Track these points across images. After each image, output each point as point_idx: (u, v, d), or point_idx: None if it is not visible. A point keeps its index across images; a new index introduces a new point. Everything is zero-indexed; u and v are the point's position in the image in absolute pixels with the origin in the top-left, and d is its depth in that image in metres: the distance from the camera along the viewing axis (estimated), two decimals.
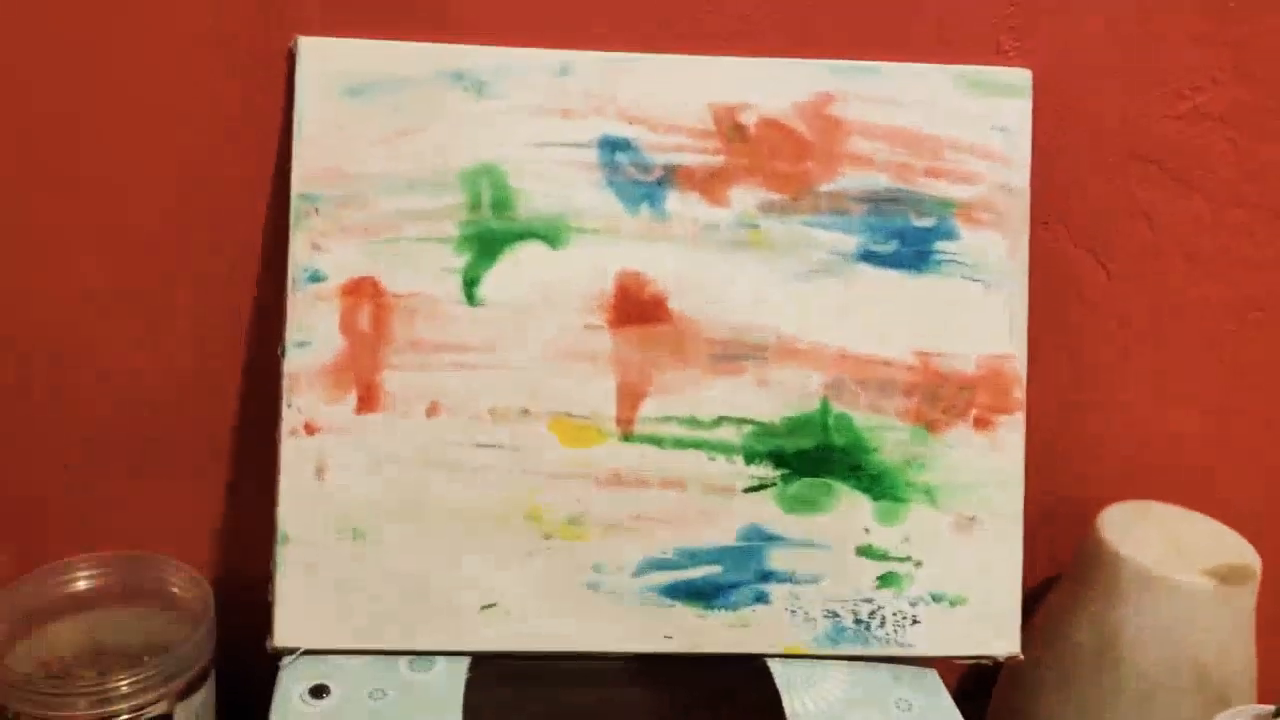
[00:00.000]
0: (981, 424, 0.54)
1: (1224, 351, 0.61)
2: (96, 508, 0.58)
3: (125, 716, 0.52)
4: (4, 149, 0.53)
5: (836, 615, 0.54)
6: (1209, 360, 0.61)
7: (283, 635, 0.51)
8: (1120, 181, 0.58)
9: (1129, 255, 0.59)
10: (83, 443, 0.57)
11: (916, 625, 0.54)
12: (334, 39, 0.52)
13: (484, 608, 0.52)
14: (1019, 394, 0.54)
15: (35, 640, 0.55)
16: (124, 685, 0.53)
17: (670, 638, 0.53)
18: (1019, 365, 0.55)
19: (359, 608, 0.52)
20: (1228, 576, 0.55)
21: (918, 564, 0.54)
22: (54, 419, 0.57)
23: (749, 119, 0.54)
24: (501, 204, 0.53)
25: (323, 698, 0.49)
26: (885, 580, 0.54)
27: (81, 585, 0.59)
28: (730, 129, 0.54)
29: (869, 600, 0.54)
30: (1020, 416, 0.54)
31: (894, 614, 0.54)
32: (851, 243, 0.54)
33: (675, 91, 0.54)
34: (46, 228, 0.54)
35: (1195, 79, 0.57)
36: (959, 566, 0.54)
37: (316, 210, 0.52)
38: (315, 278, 0.52)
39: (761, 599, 0.53)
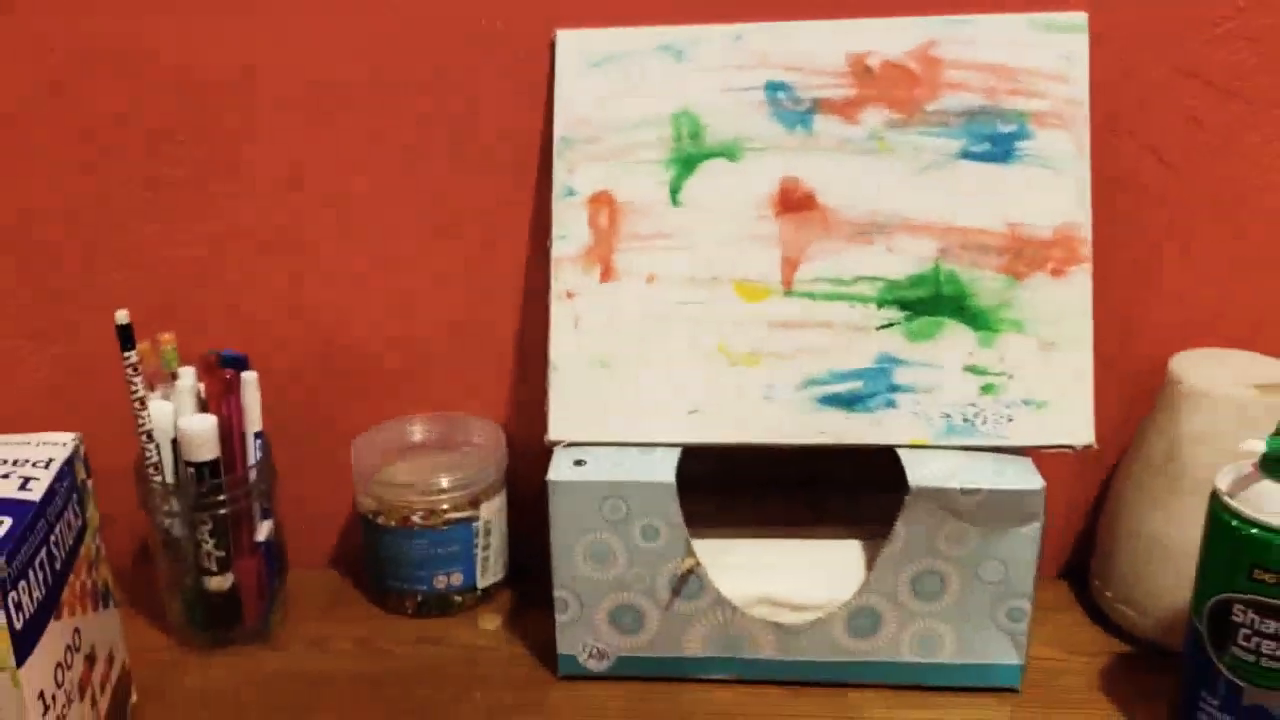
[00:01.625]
0: (1056, 273, 0.73)
1: (1267, 219, 0.77)
2: (421, 379, 0.84)
3: (446, 510, 0.78)
4: (343, 129, 0.80)
5: (949, 416, 0.73)
6: (1257, 227, 0.77)
7: (555, 431, 0.75)
8: (1171, 94, 0.75)
9: (1182, 150, 0.76)
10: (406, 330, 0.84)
11: (1011, 423, 0.72)
12: (581, 30, 0.77)
13: (690, 413, 0.74)
14: (1085, 251, 0.72)
15: (384, 473, 0.82)
16: (444, 480, 0.78)
17: (824, 433, 0.73)
18: (1084, 229, 0.73)
19: (603, 414, 0.75)
20: (1269, 389, 0.71)
21: (1010, 377, 0.72)
22: (395, 323, 0.83)
23: (874, 62, 0.75)
24: (695, 134, 0.75)
25: (582, 465, 0.72)
26: (986, 389, 0.72)
27: (416, 438, 0.85)
28: (860, 70, 0.75)
29: (973, 405, 0.73)
30: (1087, 266, 0.72)
31: (993, 414, 0.72)
32: (953, 145, 0.74)
33: (820, 46, 0.75)
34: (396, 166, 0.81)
35: (1224, 9, 0.74)
36: (1042, 379, 0.72)
37: (570, 148, 0.76)
38: (570, 193, 0.76)
39: (891, 405, 0.73)
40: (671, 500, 0.70)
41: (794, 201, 0.74)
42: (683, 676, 0.75)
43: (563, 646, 0.75)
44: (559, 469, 0.72)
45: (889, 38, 0.74)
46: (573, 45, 0.77)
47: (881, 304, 0.73)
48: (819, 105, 0.74)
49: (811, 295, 0.74)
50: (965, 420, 0.72)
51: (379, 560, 0.82)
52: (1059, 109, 0.73)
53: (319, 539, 0.89)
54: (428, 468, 0.81)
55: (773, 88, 0.75)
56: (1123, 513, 0.76)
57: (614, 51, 0.76)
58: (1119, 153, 0.76)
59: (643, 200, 0.75)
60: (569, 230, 0.76)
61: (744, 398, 0.73)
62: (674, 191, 0.75)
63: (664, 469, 0.71)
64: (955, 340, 0.73)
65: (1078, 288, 0.72)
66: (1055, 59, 0.73)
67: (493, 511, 0.82)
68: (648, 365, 0.74)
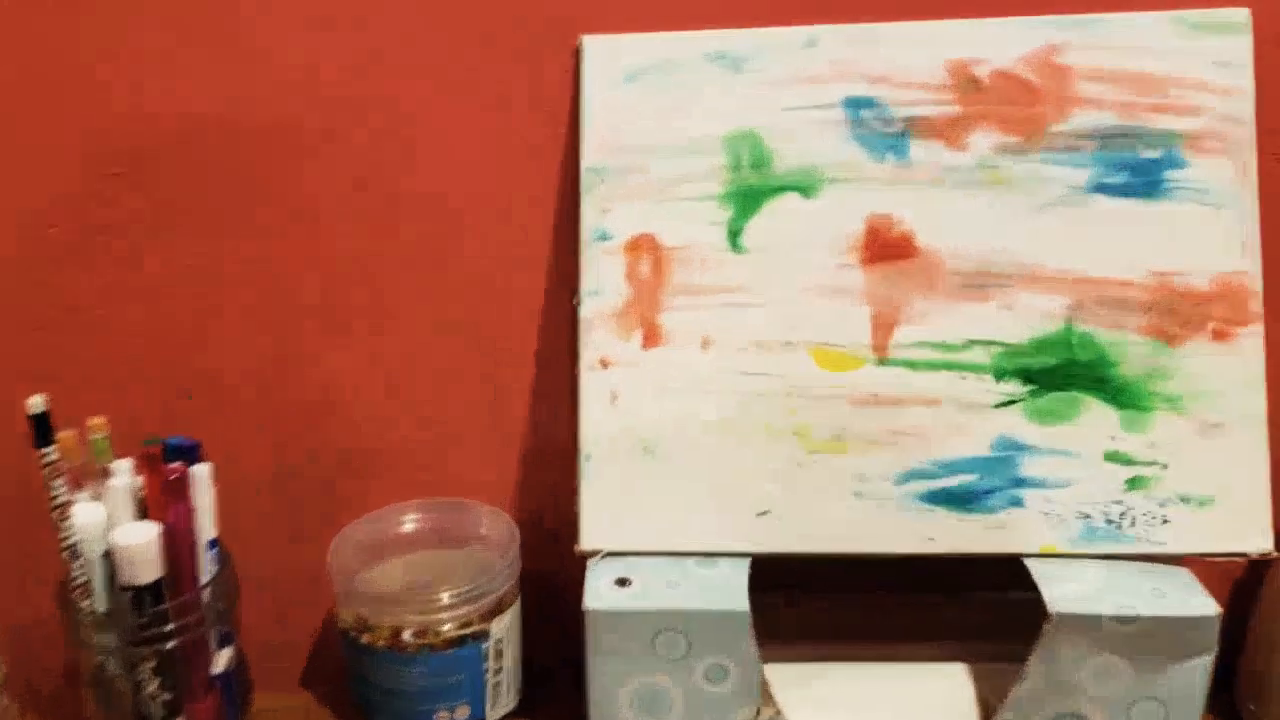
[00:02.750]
0: (1220, 335, 0.58)
1: None
2: (418, 461, 0.68)
3: (448, 627, 0.62)
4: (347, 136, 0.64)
5: (1088, 516, 0.58)
6: None
7: (588, 539, 0.59)
8: None
9: None
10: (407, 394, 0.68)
11: (1166, 524, 0.57)
12: (613, 35, 0.62)
13: (759, 515, 0.59)
14: (1256, 307, 0.58)
15: (367, 575, 0.66)
16: (445, 598, 0.62)
17: (933, 539, 0.58)
18: (1254, 280, 0.58)
19: (650, 515, 0.59)
20: None
21: (1164, 467, 0.57)
22: (380, 383, 0.67)
23: (982, 72, 0.60)
24: (759, 162, 0.60)
25: (626, 586, 0.57)
26: (1133, 483, 0.58)
27: (408, 529, 0.69)
28: (965, 81, 0.60)
29: (1119, 502, 0.58)
30: (1259, 328, 0.57)
31: (1144, 514, 0.57)
32: (1083, 176, 0.59)
33: (912, 54, 0.60)
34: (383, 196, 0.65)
35: None
36: (1205, 469, 0.57)
37: (603, 180, 0.61)
38: (603, 237, 0.61)
39: (1016, 503, 0.58)
40: (744, 633, 0.55)
41: (886, 246, 0.59)
42: None
43: None
44: (598, 592, 0.56)
45: (1000, 42, 0.59)
46: (603, 54, 0.61)
47: (1000, 375, 0.58)
48: (914, 126, 0.59)
49: (911, 364, 0.59)
50: (1109, 522, 0.57)
51: (365, 688, 0.66)
52: (1217, 129, 0.58)
53: (291, 656, 0.73)
54: (424, 572, 0.65)
55: (855, 104, 0.60)
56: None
57: (654, 61, 0.61)
58: None
59: (695, 245, 0.60)
60: (602, 283, 0.60)
61: (827, 494, 0.58)
62: (734, 235, 0.60)
63: (734, 592, 0.56)
64: (1094, 421, 0.58)
65: (1248, 353, 0.57)
66: (1212, 67, 0.58)
67: (505, 627, 0.66)
68: (703, 453, 0.59)
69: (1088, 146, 0.59)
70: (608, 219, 0.61)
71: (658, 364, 0.60)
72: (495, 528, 0.68)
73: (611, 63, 0.61)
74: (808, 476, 0.59)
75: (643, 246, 0.60)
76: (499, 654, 0.66)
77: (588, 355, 0.60)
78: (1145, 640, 0.54)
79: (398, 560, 0.67)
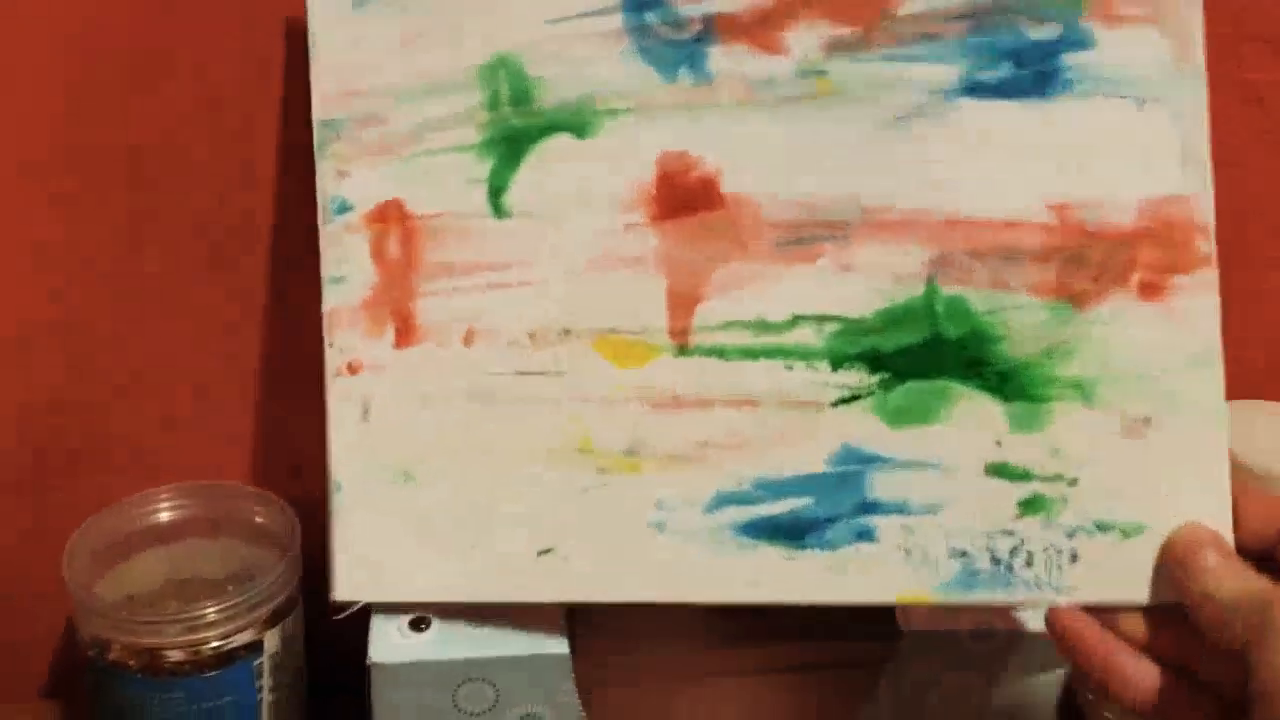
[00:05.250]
0: (1150, 290, 0.40)
1: None
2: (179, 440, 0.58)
3: (214, 643, 0.52)
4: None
5: (965, 554, 0.42)
6: None
7: (342, 588, 0.48)
8: None
9: None
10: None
11: (1076, 563, 0.41)
12: None
13: (540, 553, 0.46)
14: (1204, 245, 0.39)
15: (120, 572, 0.56)
16: (211, 613, 0.52)
17: (756, 584, 0.44)
18: (1201, 206, 0.39)
19: (414, 557, 0.47)
20: None
21: (1072, 483, 0.41)
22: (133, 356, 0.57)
23: None
24: (521, 96, 0.46)
25: (423, 631, 0.46)
26: (1029, 506, 0.41)
27: (165, 517, 0.58)
28: None
29: (1009, 533, 0.41)
30: (1210, 275, 0.39)
31: (1044, 549, 0.41)
32: (949, 74, 0.42)
33: None
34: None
35: None
36: (1133, 483, 0.40)
37: (338, 136, 0.48)
38: (343, 207, 0.48)
39: (865, 535, 0.43)
40: (565, 678, 0.43)
41: (683, 194, 0.44)
42: None
43: None
44: (386, 641, 0.45)
45: None
46: None
47: (838, 362, 0.43)
48: (714, 28, 0.44)
49: (719, 352, 0.44)
50: (996, 561, 0.42)
51: (109, 715, 0.56)
52: None
53: (27, 663, 0.64)
54: (182, 574, 0.55)
55: (637, 6, 0.44)
56: None
57: None
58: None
59: (451, 212, 0.47)
60: (345, 267, 0.48)
61: (620, 527, 0.45)
62: (495, 194, 0.46)
63: (549, 632, 0.43)
64: (970, 420, 0.42)
65: (1193, 314, 0.39)
66: None
67: (283, 639, 0.55)
68: (472, 477, 0.46)
69: (951, 31, 0.42)
70: (346, 184, 0.48)
71: (414, 366, 0.47)
72: (269, 515, 0.56)
73: None
74: (596, 504, 0.45)
75: (390, 216, 0.48)
76: (278, 669, 0.55)
77: (333, 358, 0.48)
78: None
79: (148, 560, 0.56)
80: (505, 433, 0.46)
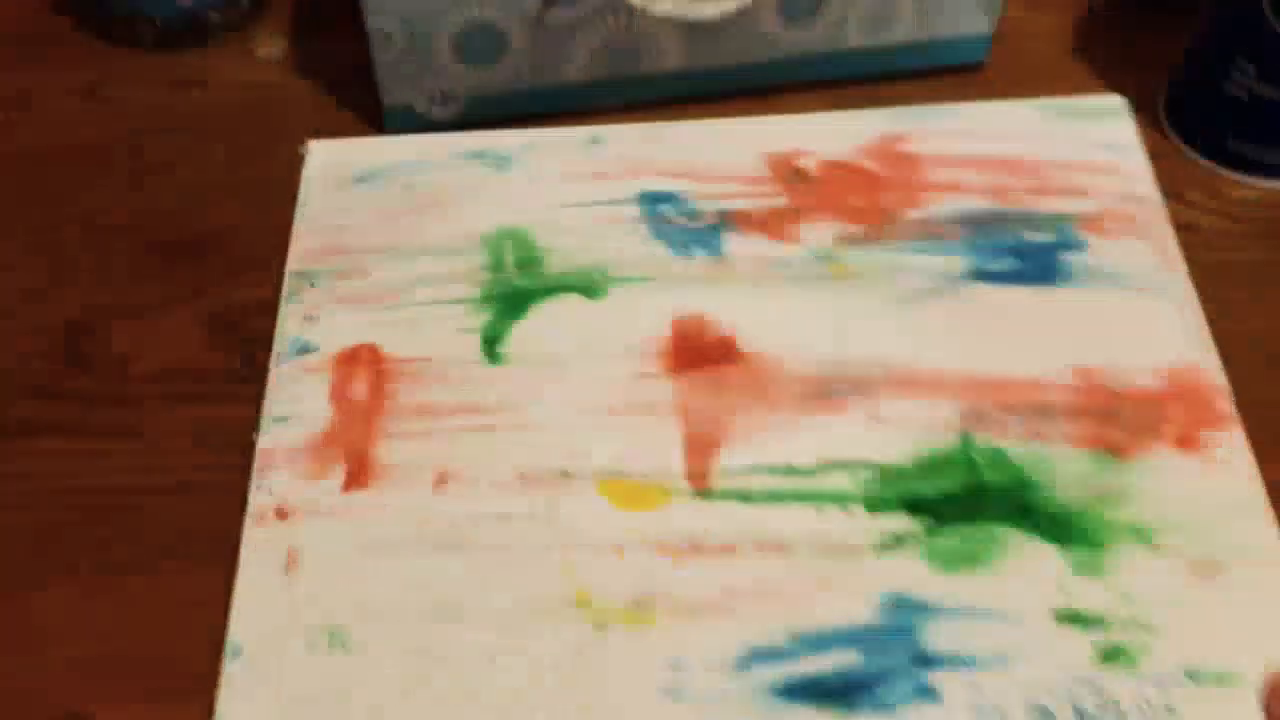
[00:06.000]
0: (1186, 443, 0.40)
1: None
2: None
3: None
4: None
5: (1047, 711, 0.35)
6: None
7: None
8: None
9: None
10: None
11: (1172, 717, 0.35)
12: (345, 139, 0.49)
13: None
14: (1224, 405, 0.40)
15: None
16: None
17: None
18: (1213, 372, 0.41)
19: None
20: None
21: (1151, 629, 0.36)
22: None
23: (808, 163, 0.47)
24: (528, 262, 0.45)
25: None
26: (1109, 655, 0.36)
27: None
28: (789, 174, 0.47)
29: (1092, 685, 0.35)
30: (1237, 430, 0.40)
31: (1138, 705, 0.35)
32: (957, 264, 0.44)
33: (719, 149, 0.48)
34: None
35: None
36: (1215, 629, 0.36)
37: (311, 284, 0.44)
38: (304, 349, 0.43)
39: (925, 693, 0.35)
40: None
41: (701, 351, 0.42)
42: (560, 110, 0.49)
43: (389, 95, 0.48)
44: None
45: (824, 136, 0.48)
46: (329, 155, 0.48)
47: (875, 506, 0.39)
48: (729, 220, 0.45)
49: (744, 496, 0.39)
50: (1080, 715, 0.35)
51: None
52: (1117, 208, 0.46)
53: None
54: None
55: (652, 199, 0.46)
56: None
57: (394, 162, 0.48)
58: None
59: (436, 359, 0.42)
60: (296, 407, 0.41)
61: (627, 692, 0.35)
62: (490, 342, 0.43)
63: None
64: (1028, 564, 0.37)
65: (1233, 466, 0.39)
66: (1096, 149, 0.47)
67: None
68: (429, 644, 0.36)
69: (956, 233, 0.45)
70: (312, 328, 0.43)
71: (364, 511, 0.39)
72: None
73: (339, 164, 0.48)
74: (596, 665, 0.36)
75: (360, 359, 0.43)
76: None
77: (258, 502, 0.39)
78: None
79: None
80: (477, 586, 0.38)
